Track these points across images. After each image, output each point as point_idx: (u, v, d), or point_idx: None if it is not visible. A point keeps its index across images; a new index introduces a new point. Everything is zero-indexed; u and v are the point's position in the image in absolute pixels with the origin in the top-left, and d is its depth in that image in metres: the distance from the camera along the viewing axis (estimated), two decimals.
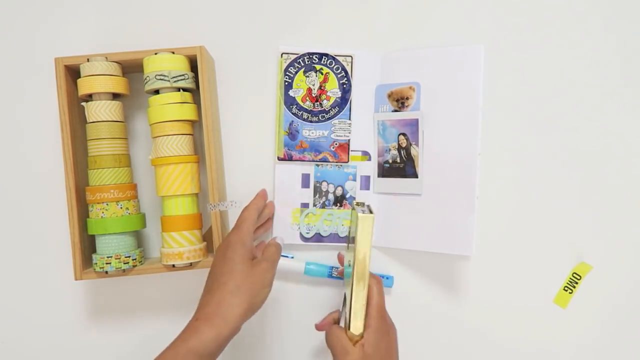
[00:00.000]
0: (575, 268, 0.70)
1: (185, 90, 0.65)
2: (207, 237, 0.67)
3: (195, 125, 0.68)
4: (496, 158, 0.69)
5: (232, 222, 0.70)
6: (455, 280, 0.71)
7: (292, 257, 0.69)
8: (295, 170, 0.68)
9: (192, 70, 0.65)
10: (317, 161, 0.67)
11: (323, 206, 0.68)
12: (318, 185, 0.68)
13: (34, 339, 0.71)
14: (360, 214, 0.53)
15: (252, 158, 0.70)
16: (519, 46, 0.70)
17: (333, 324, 0.60)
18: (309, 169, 0.68)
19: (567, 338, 0.71)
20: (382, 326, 0.55)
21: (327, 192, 0.68)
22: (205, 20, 0.70)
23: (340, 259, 0.66)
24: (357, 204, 0.58)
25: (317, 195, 0.68)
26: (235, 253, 0.55)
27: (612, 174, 0.70)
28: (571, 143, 0.70)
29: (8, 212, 0.70)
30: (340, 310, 0.63)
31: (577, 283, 0.70)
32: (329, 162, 0.68)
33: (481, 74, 0.63)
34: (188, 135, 0.65)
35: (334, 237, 0.69)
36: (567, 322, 0.71)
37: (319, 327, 0.63)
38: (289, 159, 0.67)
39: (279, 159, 0.67)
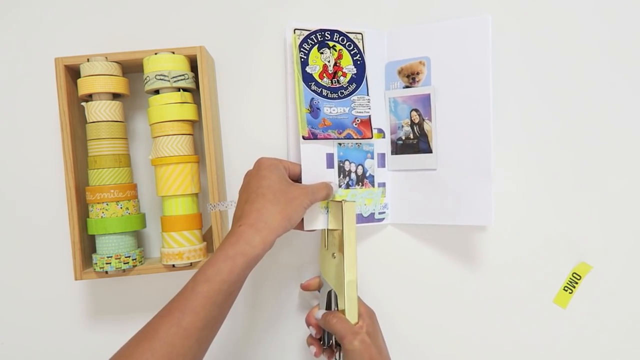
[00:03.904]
0: (575, 268, 0.70)
1: (185, 90, 0.65)
2: (207, 237, 0.67)
3: (195, 125, 0.68)
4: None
5: (231, 223, 0.70)
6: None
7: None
8: (320, 149, 0.66)
9: (192, 70, 0.65)
10: (342, 138, 0.66)
11: (347, 186, 0.67)
12: (341, 164, 0.67)
13: (34, 339, 0.71)
14: (344, 203, 0.59)
15: (252, 158, 0.70)
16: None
17: (331, 313, 0.61)
18: (332, 148, 0.67)
19: (567, 338, 0.71)
20: (368, 310, 0.63)
21: (349, 171, 0.67)
22: (205, 20, 0.70)
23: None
24: (334, 201, 0.63)
25: (342, 175, 0.67)
26: (271, 172, 0.57)
27: (614, 172, 0.70)
28: (575, 133, 0.70)
29: (8, 212, 0.70)
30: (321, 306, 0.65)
31: (577, 283, 0.70)
32: (354, 139, 0.66)
33: (490, 44, 0.63)
34: (188, 135, 0.65)
35: (359, 218, 0.68)
36: (567, 322, 0.71)
37: (303, 287, 0.67)
38: (314, 137, 0.65)
39: (304, 138, 0.64)
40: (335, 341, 0.63)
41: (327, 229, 0.65)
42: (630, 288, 0.71)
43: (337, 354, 0.62)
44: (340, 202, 0.61)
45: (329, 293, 0.64)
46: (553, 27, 0.70)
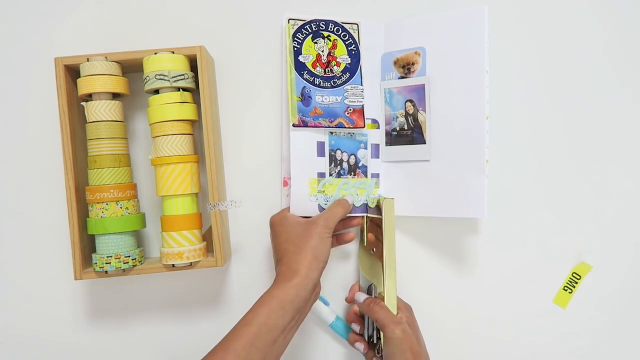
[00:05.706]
0: (575, 268, 0.70)
1: (185, 90, 0.65)
2: (207, 237, 0.67)
3: (195, 125, 0.68)
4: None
5: (232, 222, 0.70)
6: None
7: (329, 304, 0.70)
8: (311, 138, 0.66)
9: (192, 70, 0.65)
10: (333, 127, 0.66)
11: (339, 175, 0.67)
12: (333, 154, 0.67)
13: (34, 339, 0.71)
14: (383, 200, 0.62)
15: (252, 158, 0.71)
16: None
17: (374, 301, 0.62)
18: (324, 137, 0.67)
19: (567, 338, 0.71)
20: (407, 305, 0.66)
21: (341, 161, 0.67)
22: (205, 20, 0.70)
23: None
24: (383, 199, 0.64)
25: (333, 164, 0.67)
26: (283, 226, 0.62)
27: (614, 165, 0.70)
28: (574, 133, 0.70)
29: (8, 212, 0.70)
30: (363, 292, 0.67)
31: (577, 283, 0.70)
32: (346, 128, 0.66)
33: (486, 35, 0.63)
34: (188, 135, 0.65)
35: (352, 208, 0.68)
36: (567, 322, 0.71)
37: (349, 300, 0.70)
38: (305, 125, 0.65)
39: (294, 125, 0.64)
40: (375, 331, 0.64)
41: (366, 228, 0.67)
42: (630, 288, 0.71)
43: (378, 343, 0.64)
44: (379, 199, 0.63)
45: (369, 288, 0.66)
46: (549, 17, 0.70)
